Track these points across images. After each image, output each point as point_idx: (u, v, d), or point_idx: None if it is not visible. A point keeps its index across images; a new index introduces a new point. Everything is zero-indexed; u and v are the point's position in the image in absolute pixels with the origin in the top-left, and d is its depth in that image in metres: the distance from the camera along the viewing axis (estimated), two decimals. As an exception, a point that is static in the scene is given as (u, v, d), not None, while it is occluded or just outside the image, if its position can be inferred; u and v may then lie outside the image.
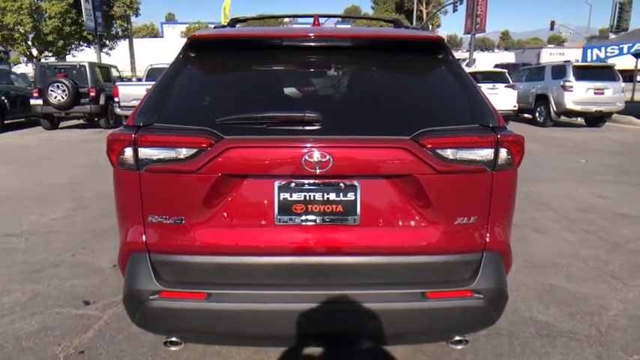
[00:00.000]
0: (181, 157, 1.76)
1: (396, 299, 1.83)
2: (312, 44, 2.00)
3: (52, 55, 22.78)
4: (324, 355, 2.43)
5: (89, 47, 23.33)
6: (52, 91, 12.17)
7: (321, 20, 2.93)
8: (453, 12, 35.51)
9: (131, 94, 10.79)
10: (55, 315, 2.94)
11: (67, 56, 22.98)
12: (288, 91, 2.01)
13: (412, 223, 1.85)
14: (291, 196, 1.80)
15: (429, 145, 1.76)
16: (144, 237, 1.87)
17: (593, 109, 12.47)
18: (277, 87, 2.05)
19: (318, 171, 1.73)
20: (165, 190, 1.82)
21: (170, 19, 68.16)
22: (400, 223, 1.85)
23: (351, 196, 1.81)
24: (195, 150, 1.75)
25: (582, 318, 2.94)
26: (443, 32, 60.50)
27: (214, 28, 2.61)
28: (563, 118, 13.53)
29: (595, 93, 12.43)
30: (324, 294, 1.82)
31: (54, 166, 7.99)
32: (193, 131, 1.77)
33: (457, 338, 2.02)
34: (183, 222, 1.82)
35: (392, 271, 1.85)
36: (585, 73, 12.72)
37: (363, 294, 1.82)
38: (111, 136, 1.86)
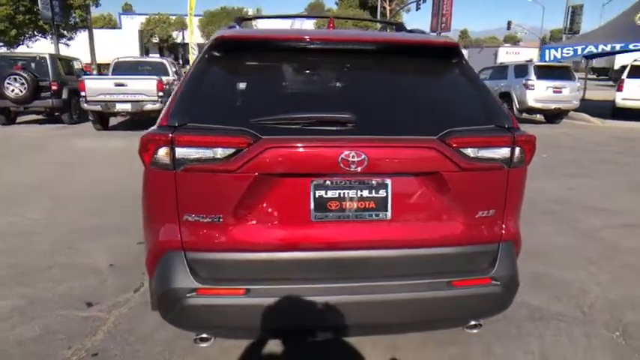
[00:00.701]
0: (219, 156, 1.80)
1: (424, 289, 1.95)
2: (339, 47, 2.08)
3: (4, 46, 21.53)
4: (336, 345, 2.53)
5: (45, 37, 22.19)
6: (8, 84, 11.54)
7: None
8: (417, 10, 36.26)
9: (98, 88, 10.41)
10: (57, 318, 2.88)
11: (19, 47, 21.74)
12: (317, 91, 2.08)
13: (438, 217, 1.98)
14: (326, 194, 1.88)
15: (454, 145, 1.88)
16: (179, 236, 1.89)
17: (553, 106, 13.15)
18: (306, 87, 2.11)
19: (353, 169, 1.82)
20: (202, 189, 1.85)
21: (127, 9, 65.74)
22: (427, 217, 1.97)
23: (382, 192, 1.91)
24: (233, 150, 1.79)
25: (568, 301, 3.18)
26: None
27: (229, 27, 2.64)
28: (524, 115, 14.18)
29: (554, 91, 13.10)
30: (358, 286, 1.91)
31: (21, 165, 7.64)
32: (232, 131, 1.81)
33: (472, 323, 2.17)
34: (221, 220, 1.86)
35: (420, 262, 1.97)
36: (545, 72, 13.38)
37: (394, 285, 1.93)
38: (146, 136, 1.87)
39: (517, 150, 1.98)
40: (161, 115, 2.00)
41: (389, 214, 1.92)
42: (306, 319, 1.96)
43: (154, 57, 16.58)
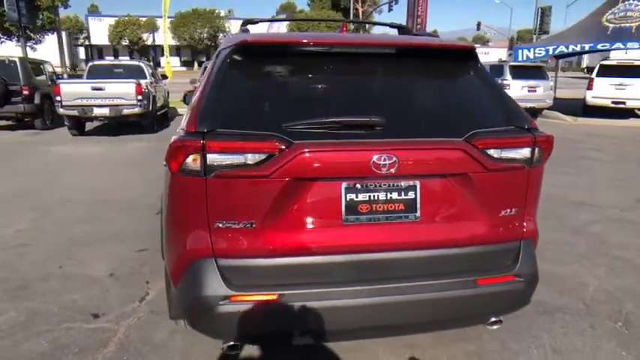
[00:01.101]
0: (252, 162, 1.78)
1: (452, 288, 1.98)
2: (363, 51, 2.10)
3: (-34, 49, 20.67)
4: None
5: (11, 40, 21.36)
6: (-24, 89, 11.08)
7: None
8: (389, 11, 36.73)
9: (75, 92, 10.09)
10: (65, 332, 2.78)
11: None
12: (342, 95, 2.08)
13: (464, 217, 2.01)
14: (357, 197, 1.89)
15: (480, 146, 1.92)
16: (210, 243, 1.86)
17: (528, 105, 13.51)
18: (332, 91, 2.11)
19: (384, 172, 1.83)
20: (234, 196, 1.83)
21: (93, 10, 64.01)
22: (454, 217, 2.01)
23: (411, 194, 1.93)
24: (265, 155, 1.78)
25: (569, 295, 3.29)
26: (378, 31, 62.24)
27: (243, 30, 2.63)
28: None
29: (529, 90, 13.50)
30: (388, 288, 1.93)
31: (-4, 173, 7.35)
32: (264, 136, 1.79)
33: (493, 319, 2.21)
34: (253, 226, 1.85)
35: (448, 262, 2.00)
36: (520, 72, 13.76)
37: (424, 285, 1.96)
38: (174, 143, 1.83)
39: (537, 150, 2.03)
40: (186, 121, 1.97)
41: (418, 215, 1.94)
42: (339, 322, 1.96)
43: (125, 59, 16.06)
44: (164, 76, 14.74)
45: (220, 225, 1.85)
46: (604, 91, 13.81)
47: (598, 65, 14.42)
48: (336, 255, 1.90)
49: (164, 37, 17.98)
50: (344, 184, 1.88)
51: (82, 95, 10.16)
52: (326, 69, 2.12)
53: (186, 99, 4.56)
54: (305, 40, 2.04)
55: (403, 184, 1.92)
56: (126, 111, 10.39)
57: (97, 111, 10.32)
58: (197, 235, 1.89)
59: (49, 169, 7.48)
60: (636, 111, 14.23)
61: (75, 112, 10.27)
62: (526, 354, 2.60)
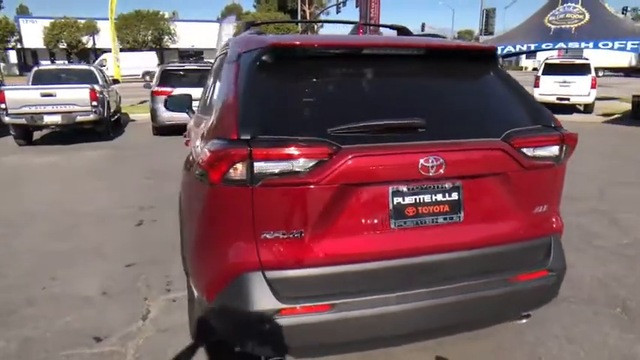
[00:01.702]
0: (300, 169, 1.72)
1: (494, 286, 2.00)
2: (393, 52, 2.08)
3: None
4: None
5: None
6: None
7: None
8: (337, 13, 37.06)
9: (22, 99, 9.36)
10: (67, 359, 2.56)
11: None
12: (380, 97, 2.05)
13: (503, 215, 2.04)
14: (403, 200, 1.87)
15: (517, 145, 1.96)
16: (257, 255, 1.77)
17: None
18: (369, 94, 2.07)
19: (432, 174, 1.82)
20: (282, 204, 1.76)
21: (23, 12, 59.91)
22: (494, 216, 2.03)
23: (455, 195, 1.93)
24: (315, 161, 1.72)
25: (570, 285, 3.40)
26: (326, 33, 62.73)
27: (250, 33, 2.53)
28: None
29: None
30: (437, 290, 1.92)
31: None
32: (313, 142, 1.73)
33: (523, 313, 2.27)
34: (302, 235, 1.78)
35: (489, 260, 2.03)
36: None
37: (468, 285, 1.96)
38: (216, 152, 1.73)
39: (565, 147, 2.10)
40: (221, 128, 1.86)
41: (462, 215, 1.95)
42: (390, 329, 1.93)
43: (71, 64, 14.91)
44: (115, 81, 14.07)
45: (268, 236, 1.77)
46: (549, 88, 14.66)
47: (543, 64, 15.28)
48: (385, 260, 1.87)
49: (112, 39, 17.11)
50: (391, 188, 1.85)
51: (31, 102, 9.47)
52: (358, 71, 2.09)
53: (168, 104, 4.36)
54: (334, 42, 1.99)
55: (447, 185, 1.92)
56: (80, 118, 9.80)
57: (47, 119, 9.65)
58: (241, 247, 1.79)
59: (3, 182, 6.92)
60: (578, 106, 15.21)
61: (22, 121, 9.55)
62: (544, 345, 2.68)
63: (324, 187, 1.75)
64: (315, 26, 47.46)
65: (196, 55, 51.86)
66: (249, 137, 1.72)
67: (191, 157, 2.36)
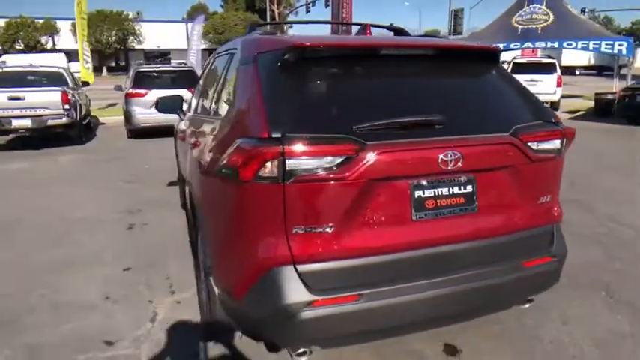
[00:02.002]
0: (329, 165, 1.79)
1: (504, 272, 2.13)
2: (408, 53, 2.19)
3: None
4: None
5: None
6: None
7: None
8: (306, 13, 37.17)
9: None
10: (81, 364, 2.55)
11: None
12: (398, 95, 2.14)
13: (512, 205, 2.18)
14: (423, 194, 1.97)
15: (524, 140, 2.10)
16: (288, 249, 1.83)
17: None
18: (388, 92, 2.15)
19: (450, 168, 1.93)
20: (312, 200, 1.82)
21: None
22: (504, 207, 2.16)
23: (469, 188, 2.05)
24: (343, 158, 1.80)
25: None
26: (295, 33, 62.67)
27: (266, 33, 2.59)
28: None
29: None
30: (454, 278, 2.03)
31: None
32: (340, 139, 1.81)
33: (528, 298, 2.42)
34: (332, 228, 1.85)
35: (500, 248, 2.15)
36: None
37: (482, 272, 2.08)
38: (249, 150, 1.78)
39: (565, 141, 2.26)
40: (246, 127, 1.92)
41: (476, 207, 2.07)
42: (415, 315, 2.04)
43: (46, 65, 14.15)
44: (85, 83, 13.68)
45: (299, 230, 1.83)
46: (516, 86, 15.19)
47: (512, 63, 15.85)
48: (407, 251, 1.96)
49: (79, 39, 16.54)
50: (412, 182, 1.94)
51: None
52: (376, 70, 2.18)
53: (159, 106, 4.33)
54: (360, 43, 2.07)
55: (463, 178, 2.03)
56: (51, 122, 9.48)
57: (16, 123, 9.29)
58: (272, 242, 1.85)
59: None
60: (545, 104, 15.82)
61: None
62: (543, 327, 2.85)
63: (351, 183, 1.83)
64: (285, 27, 47.41)
65: (163, 56, 50.93)
66: (279, 135, 1.77)
67: (205, 157, 2.38)
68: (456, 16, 23.18)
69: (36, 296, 3.32)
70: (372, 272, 1.93)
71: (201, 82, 4.00)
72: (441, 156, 1.91)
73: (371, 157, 1.82)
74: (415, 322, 2.12)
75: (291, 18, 49.37)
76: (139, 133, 10.73)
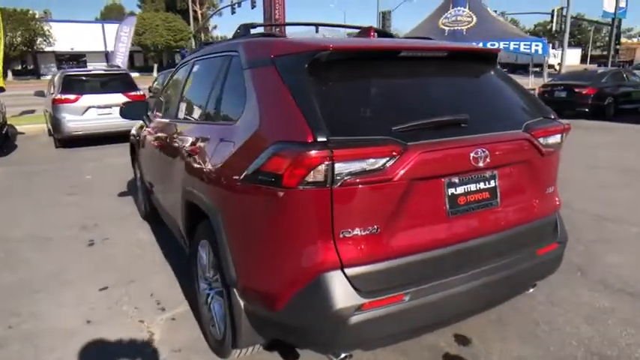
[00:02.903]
0: (374, 167, 1.78)
1: (522, 261, 2.25)
2: (430, 55, 2.26)
3: None
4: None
5: None
6: None
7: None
8: (232, 14, 36.58)
9: None
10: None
11: None
12: (426, 96, 2.20)
13: (526, 197, 2.31)
14: (456, 190, 2.02)
15: (536, 135, 2.23)
16: (336, 254, 1.79)
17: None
18: (415, 93, 2.19)
19: (480, 165, 2.00)
20: (359, 203, 1.80)
21: None
22: (520, 199, 2.28)
23: (492, 183, 2.14)
24: (387, 159, 1.79)
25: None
26: (220, 34, 61.31)
27: (265, 34, 2.51)
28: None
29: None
30: (483, 270, 2.10)
31: None
32: (383, 141, 1.81)
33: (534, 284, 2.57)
34: (378, 230, 1.84)
35: (519, 238, 2.27)
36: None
37: (505, 263, 2.18)
38: (294, 155, 1.71)
39: (564, 135, 2.42)
40: (282, 131, 1.85)
41: (498, 201, 2.16)
42: (457, 308, 2.10)
43: None
44: (0, 89, 12.41)
45: (346, 234, 1.80)
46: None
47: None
48: (444, 247, 2.00)
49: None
50: (445, 180, 1.99)
51: None
52: (401, 72, 2.22)
53: (122, 112, 4.07)
54: (386, 46, 2.09)
55: (488, 174, 2.11)
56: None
57: None
58: (318, 248, 1.80)
59: None
60: None
61: None
62: (536, 310, 3.03)
63: (394, 184, 1.83)
64: (209, 27, 46.25)
65: (76, 58, 47.54)
66: (325, 139, 1.73)
67: (218, 164, 2.26)
68: (384, 17, 24.07)
69: (3, 327, 2.95)
70: (414, 271, 1.95)
71: (175, 87, 3.79)
72: (472, 153, 1.98)
73: (412, 157, 1.83)
74: (455, 316, 2.18)
75: (215, 19, 48.24)
76: (69, 142, 9.92)
